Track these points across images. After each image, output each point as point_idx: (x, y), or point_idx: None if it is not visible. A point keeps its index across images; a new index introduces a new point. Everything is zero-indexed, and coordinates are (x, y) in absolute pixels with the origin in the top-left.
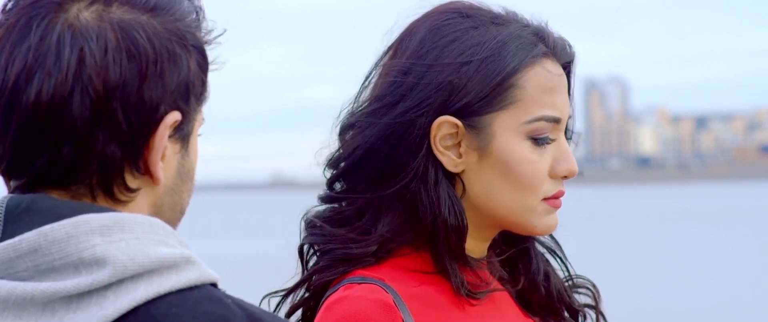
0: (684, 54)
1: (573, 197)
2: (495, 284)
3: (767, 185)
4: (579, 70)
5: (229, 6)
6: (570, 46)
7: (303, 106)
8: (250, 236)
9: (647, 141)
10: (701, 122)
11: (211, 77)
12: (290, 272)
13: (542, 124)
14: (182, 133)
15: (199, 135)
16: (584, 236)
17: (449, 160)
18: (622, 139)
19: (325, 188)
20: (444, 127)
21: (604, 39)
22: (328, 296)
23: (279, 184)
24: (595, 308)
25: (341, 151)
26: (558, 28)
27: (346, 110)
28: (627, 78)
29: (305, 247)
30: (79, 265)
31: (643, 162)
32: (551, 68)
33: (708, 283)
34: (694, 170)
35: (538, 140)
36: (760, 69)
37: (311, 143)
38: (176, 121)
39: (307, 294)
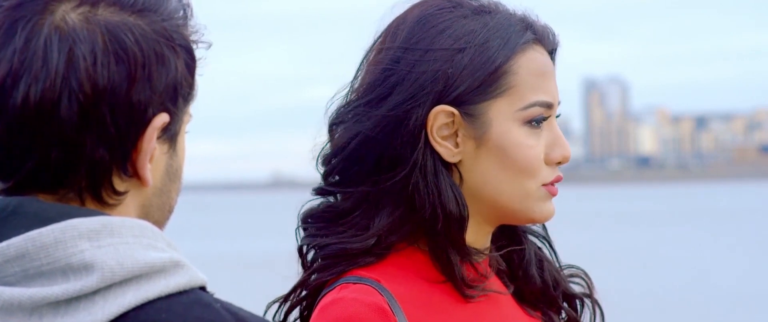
0: (684, 54)
1: (573, 196)
2: (494, 279)
3: (767, 185)
4: (579, 70)
5: (229, 6)
6: (554, 34)
7: (303, 106)
8: (250, 235)
9: (647, 141)
10: (701, 122)
11: (212, 77)
12: (290, 269)
13: (537, 109)
14: (170, 134)
15: (186, 132)
16: (584, 235)
17: (447, 150)
18: (622, 139)
19: (321, 181)
20: (440, 117)
21: (604, 39)
22: (323, 296)
23: (279, 184)
24: (590, 296)
25: (333, 145)
26: (559, 29)
27: (335, 104)
28: (627, 78)
29: (304, 247)
30: (67, 270)
31: (643, 162)
32: (541, 54)
33: (707, 280)
34: (693, 169)
35: (534, 122)
36: (760, 69)
37: (311, 143)
38: (164, 123)
39: (304, 293)
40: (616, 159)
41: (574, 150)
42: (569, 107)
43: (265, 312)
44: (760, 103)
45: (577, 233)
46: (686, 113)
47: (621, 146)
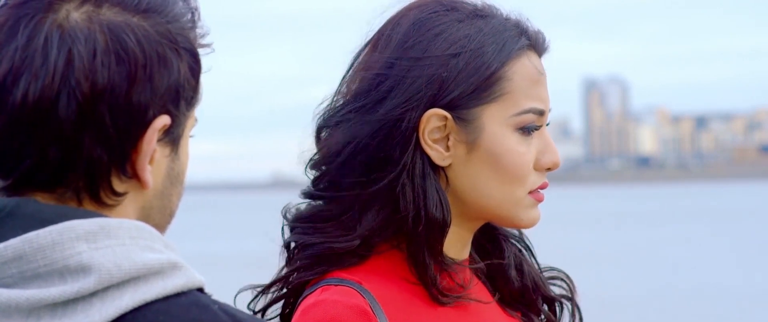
0: (684, 54)
1: (573, 196)
2: (475, 284)
3: (767, 185)
4: (579, 70)
5: (231, 6)
6: (545, 39)
7: (306, 106)
8: (250, 235)
9: (647, 141)
10: (701, 122)
11: (213, 77)
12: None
13: (530, 116)
14: (172, 137)
15: (191, 136)
16: (584, 235)
17: (437, 153)
18: (622, 139)
19: (310, 185)
20: (433, 120)
21: (604, 39)
22: (305, 298)
23: (279, 184)
24: (571, 299)
25: (322, 150)
26: (559, 29)
27: (324, 109)
28: (627, 78)
29: (291, 243)
30: (64, 272)
31: (643, 162)
32: (534, 60)
33: (706, 280)
34: (693, 169)
35: (525, 129)
36: (760, 69)
37: (311, 144)
38: (165, 126)
39: (286, 291)
40: (616, 159)
41: (574, 150)
42: (569, 107)
43: (237, 295)
44: (760, 103)
45: (576, 233)
46: (686, 113)
47: (621, 146)
